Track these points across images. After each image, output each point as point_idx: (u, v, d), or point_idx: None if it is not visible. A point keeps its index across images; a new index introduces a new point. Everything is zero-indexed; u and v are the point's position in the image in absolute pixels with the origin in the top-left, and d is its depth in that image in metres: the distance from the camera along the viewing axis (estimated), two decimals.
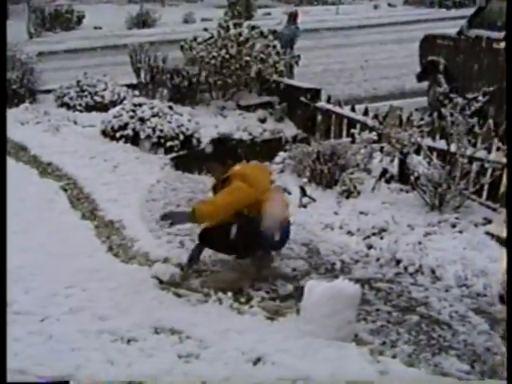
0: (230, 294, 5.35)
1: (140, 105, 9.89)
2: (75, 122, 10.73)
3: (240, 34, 11.71)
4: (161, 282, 5.54)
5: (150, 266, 5.88)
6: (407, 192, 7.92)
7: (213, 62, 11.49)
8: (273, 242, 5.73)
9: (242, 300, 5.33)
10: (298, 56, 13.31)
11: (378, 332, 4.94)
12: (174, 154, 9.59)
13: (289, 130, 11.42)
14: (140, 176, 8.69)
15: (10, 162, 8.98)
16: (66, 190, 8.11)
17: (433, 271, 5.94)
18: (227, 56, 11.48)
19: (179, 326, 4.77)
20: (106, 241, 6.71)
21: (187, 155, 9.69)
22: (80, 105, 11.31)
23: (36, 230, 6.83)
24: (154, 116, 9.69)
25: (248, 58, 11.60)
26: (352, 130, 9.13)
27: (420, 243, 6.43)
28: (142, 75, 12.22)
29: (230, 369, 4.20)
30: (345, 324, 4.69)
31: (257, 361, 4.31)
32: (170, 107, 10.10)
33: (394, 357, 4.54)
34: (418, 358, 4.59)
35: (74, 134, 10.13)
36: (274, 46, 12.15)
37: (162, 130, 9.60)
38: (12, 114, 11.21)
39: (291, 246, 6.56)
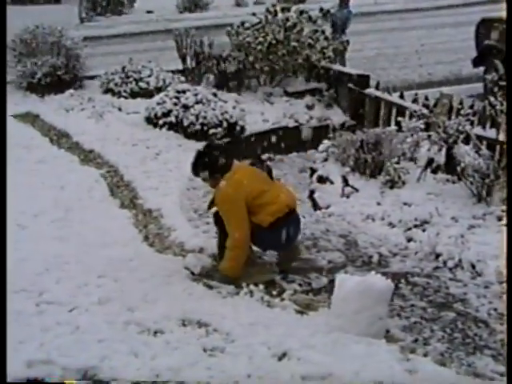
0: (261, 286, 5.27)
1: (184, 91, 9.82)
2: (119, 109, 10.71)
3: (287, 19, 11.48)
4: (192, 273, 5.47)
5: (185, 256, 5.84)
6: (453, 183, 7.66)
7: (259, 47, 11.31)
8: (278, 246, 5.69)
9: (274, 293, 5.26)
10: (347, 41, 13.06)
11: (411, 329, 4.81)
12: (217, 142, 9.46)
13: (337, 117, 11.20)
14: (182, 164, 8.59)
15: (52, 149, 9.07)
16: (106, 178, 8.11)
17: (473, 266, 5.75)
18: (274, 41, 11.29)
19: (207, 318, 4.70)
20: (142, 230, 6.70)
21: (230, 143, 9.58)
22: (125, 91, 11.28)
23: (74, 218, 6.84)
24: (197, 103, 9.62)
25: (295, 44, 11.38)
26: (399, 118, 8.88)
27: (462, 236, 6.22)
28: (188, 61, 12.13)
29: (254, 364, 4.11)
30: (375, 320, 4.55)
31: (282, 356, 4.21)
32: (215, 94, 10.02)
33: (425, 355, 4.40)
34: (450, 357, 4.46)
35: (118, 121, 10.12)
36: (323, 31, 11.91)
37: (205, 117, 9.52)
38: (57, 100, 11.31)
39: (329, 238, 6.47)
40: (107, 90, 11.47)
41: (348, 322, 4.54)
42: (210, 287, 5.32)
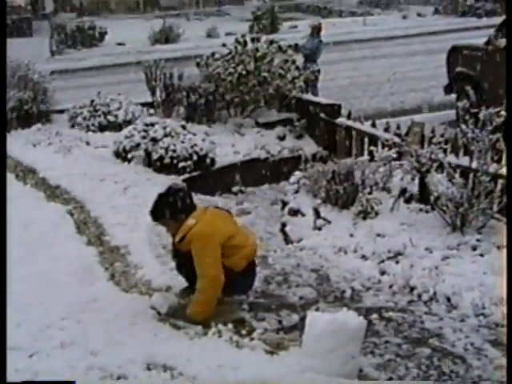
0: (230, 325, 5.07)
1: (152, 124, 9.67)
2: (87, 143, 10.54)
3: (257, 50, 11.42)
4: (159, 313, 5.27)
5: (151, 294, 5.64)
6: (427, 212, 7.54)
7: (229, 78, 11.22)
8: (246, 293, 5.57)
9: (244, 332, 5.05)
10: (318, 71, 13.02)
11: (385, 367, 4.64)
12: (186, 175, 9.31)
13: (309, 147, 11.10)
14: (150, 199, 8.28)
15: (18, 185, 8.86)
16: (72, 215, 7.89)
17: (448, 299, 5.61)
18: (244, 72, 11.20)
19: (173, 361, 4.52)
20: (109, 268, 6.48)
21: (200, 176, 9.43)
22: (93, 125, 11.11)
23: (38, 257, 6.61)
24: (166, 136, 9.46)
25: (266, 74, 11.31)
26: (371, 148, 8.78)
27: (437, 268, 6.10)
28: (158, 93, 12.01)
29: None
30: (349, 359, 4.39)
31: None
32: (183, 126, 9.86)
33: None
34: None
35: (86, 156, 9.94)
36: (294, 61, 11.86)
37: (174, 151, 9.36)
38: (24, 135, 11.11)
39: (300, 273, 6.30)
40: (75, 124, 11.30)
41: (320, 362, 4.36)
42: (177, 327, 5.11)
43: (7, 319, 4.76)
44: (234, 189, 10.09)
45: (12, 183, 8.91)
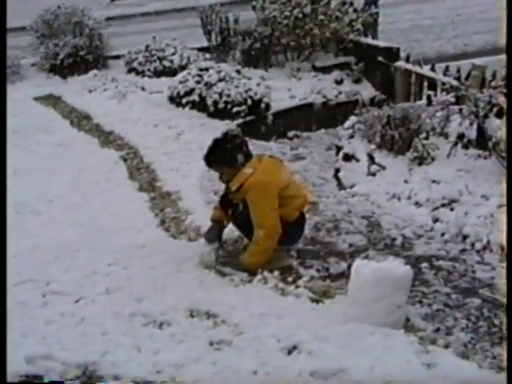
0: (276, 272, 5.01)
1: (207, 69, 9.56)
2: (143, 88, 10.52)
3: None
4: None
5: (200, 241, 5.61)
6: (485, 158, 7.26)
7: (285, 21, 11.01)
8: (295, 242, 5.44)
9: (290, 279, 4.97)
10: (377, 13, 12.63)
11: (433, 317, 4.50)
12: (240, 120, 9.21)
13: (366, 91, 10.87)
14: (204, 144, 8.23)
15: (72, 131, 8.91)
16: (125, 160, 7.92)
17: (502, 248, 5.39)
18: (300, 15, 10.96)
19: (216, 308, 4.48)
20: (159, 214, 6.49)
21: (255, 121, 9.32)
22: (149, 70, 11.08)
23: (90, 203, 6.69)
24: (220, 81, 9.35)
25: (323, 17, 11.04)
26: (429, 92, 8.52)
27: (492, 216, 5.87)
28: (213, 37, 11.86)
29: (261, 359, 3.88)
30: (394, 309, 4.27)
31: (292, 350, 3.98)
32: (238, 71, 9.73)
33: (446, 346, 4.10)
34: (474, 348, 4.13)
35: (140, 101, 9.93)
36: (351, 3, 11.54)
37: (228, 95, 9.26)
38: (80, 81, 11.15)
39: (351, 219, 6.18)
40: (131, 70, 11.29)
41: (365, 312, 4.27)
42: (223, 275, 5.08)
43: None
44: (290, 134, 9.95)
45: (67, 129, 9.03)
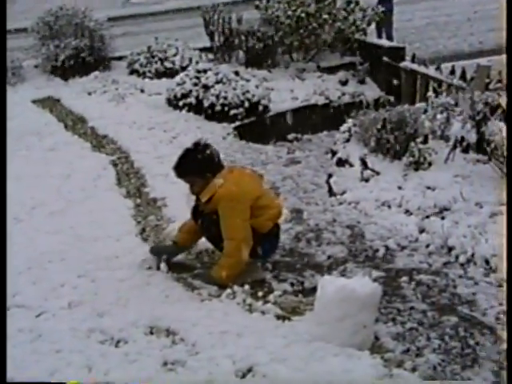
0: (247, 286, 4.82)
1: (205, 71, 9.41)
2: (142, 90, 10.39)
3: None
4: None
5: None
6: (484, 163, 7.03)
7: (288, 21, 10.79)
8: (268, 255, 5.23)
9: (260, 294, 4.79)
10: (383, 12, 12.30)
11: (405, 336, 4.29)
12: (238, 123, 9.04)
13: (371, 92, 10.64)
14: None
15: (66, 135, 8.81)
16: (116, 165, 7.78)
17: (487, 261, 5.16)
18: (303, 15, 10.73)
19: (176, 325, 4.32)
20: (141, 222, 6.34)
21: (253, 123, 9.14)
22: (150, 71, 10.95)
23: (72, 210, 6.53)
24: (217, 83, 9.19)
25: (327, 16, 10.80)
26: (429, 94, 8.27)
27: (483, 226, 5.64)
28: (216, 38, 11.68)
29: (213, 381, 3.70)
30: (360, 328, 4.09)
31: (247, 372, 3.80)
32: (236, 73, 9.56)
33: (414, 369, 3.90)
34: (443, 371, 3.93)
35: (138, 104, 9.80)
36: (357, 2, 11.29)
37: (225, 98, 9.09)
38: (81, 83, 11.05)
39: (334, 229, 5.99)
40: (133, 71, 11.17)
41: (330, 331, 4.08)
42: (192, 288, 4.89)
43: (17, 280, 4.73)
44: (290, 136, 9.75)
45: (60, 133, 8.93)
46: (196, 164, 4.87)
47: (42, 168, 7.61)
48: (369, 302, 4.08)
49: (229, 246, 4.83)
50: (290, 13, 10.77)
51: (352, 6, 11.15)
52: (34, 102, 10.25)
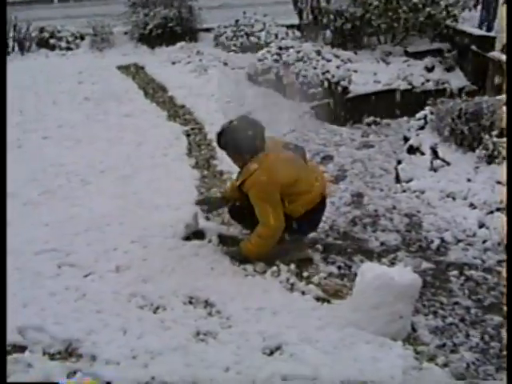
0: (293, 265, 4.82)
1: (287, 48, 9.38)
2: (225, 64, 10.41)
3: None
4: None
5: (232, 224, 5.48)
6: None
7: (376, 3, 10.59)
8: (303, 235, 5.16)
9: (305, 274, 4.77)
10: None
11: (443, 331, 4.23)
12: (316, 103, 8.98)
13: (457, 80, 10.33)
14: (274, 124, 8.20)
15: (144, 102, 8.93)
16: (188, 136, 7.84)
17: None
18: None
19: (215, 298, 4.38)
20: (203, 193, 6.38)
21: (331, 104, 9.07)
22: (235, 45, 10.99)
23: (140, 176, 6.63)
24: (298, 60, 9.14)
25: (416, 1, 10.55)
26: None
27: None
28: (304, 16, 11.60)
29: (239, 356, 3.76)
30: (396, 318, 4.05)
31: (275, 350, 3.84)
32: (318, 52, 9.49)
33: (445, 365, 3.83)
34: (476, 371, 3.84)
35: (220, 76, 9.82)
36: None
37: (305, 76, 9.04)
38: (166, 52, 11.18)
39: (392, 216, 5.89)
40: (218, 44, 11.23)
41: (365, 318, 4.06)
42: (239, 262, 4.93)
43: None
44: (368, 120, 9.62)
45: (139, 100, 9.06)
46: (234, 142, 4.76)
47: (117, 134, 7.75)
48: (407, 292, 4.02)
49: (261, 230, 4.77)
50: None
51: None
52: (118, 68, 10.46)
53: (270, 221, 4.70)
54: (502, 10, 11.68)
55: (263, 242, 4.80)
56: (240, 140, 4.73)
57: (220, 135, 4.88)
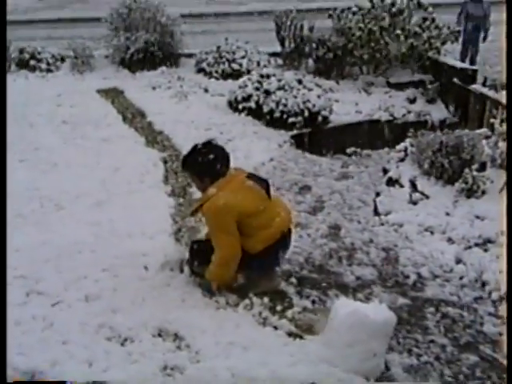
0: (267, 298, 4.71)
1: (268, 76, 9.34)
2: (206, 90, 10.40)
3: (393, 5, 10.70)
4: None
5: None
6: None
7: (359, 33, 10.62)
8: (262, 272, 4.94)
9: (278, 308, 4.66)
10: (458, 32, 11.94)
11: (418, 370, 4.13)
12: (295, 132, 8.94)
13: (438, 113, 10.36)
14: (252, 152, 8.19)
15: (122, 128, 8.86)
16: (166, 162, 7.77)
17: None
18: (375, 28, 10.55)
19: (185, 331, 4.28)
20: (179, 222, 6.30)
21: (311, 133, 9.03)
22: (216, 72, 10.97)
23: (115, 203, 6.55)
24: (279, 89, 9.11)
25: (399, 31, 10.60)
26: (492, 120, 7.99)
27: None
28: (287, 44, 11.61)
29: None
30: (370, 356, 3.95)
31: None
32: (300, 81, 9.45)
33: None
34: None
35: (200, 103, 9.81)
36: (433, 20, 11.02)
37: (285, 105, 9.00)
38: (147, 77, 11.15)
39: (369, 250, 5.81)
40: (200, 70, 11.21)
41: (338, 355, 3.97)
42: (211, 295, 4.83)
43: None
44: (349, 150, 9.58)
45: (117, 125, 8.99)
46: (196, 165, 4.69)
47: (93, 158, 7.68)
48: (381, 330, 3.94)
49: (216, 256, 4.65)
50: (362, 25, 10.60)
51: (428, 23, 10.89)
52: (98, 91, 10.40)
53: (221, 248, 4.60)
54: None
55: (218, 270, 4.68)
56: (201, 163, 4.65)
57: (184, 157, 4.82)
